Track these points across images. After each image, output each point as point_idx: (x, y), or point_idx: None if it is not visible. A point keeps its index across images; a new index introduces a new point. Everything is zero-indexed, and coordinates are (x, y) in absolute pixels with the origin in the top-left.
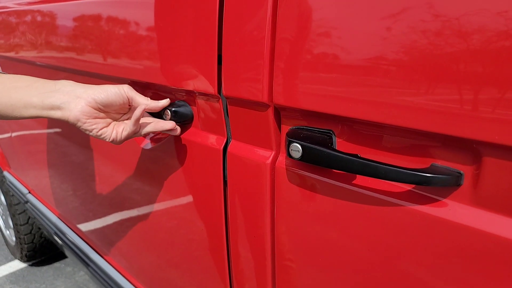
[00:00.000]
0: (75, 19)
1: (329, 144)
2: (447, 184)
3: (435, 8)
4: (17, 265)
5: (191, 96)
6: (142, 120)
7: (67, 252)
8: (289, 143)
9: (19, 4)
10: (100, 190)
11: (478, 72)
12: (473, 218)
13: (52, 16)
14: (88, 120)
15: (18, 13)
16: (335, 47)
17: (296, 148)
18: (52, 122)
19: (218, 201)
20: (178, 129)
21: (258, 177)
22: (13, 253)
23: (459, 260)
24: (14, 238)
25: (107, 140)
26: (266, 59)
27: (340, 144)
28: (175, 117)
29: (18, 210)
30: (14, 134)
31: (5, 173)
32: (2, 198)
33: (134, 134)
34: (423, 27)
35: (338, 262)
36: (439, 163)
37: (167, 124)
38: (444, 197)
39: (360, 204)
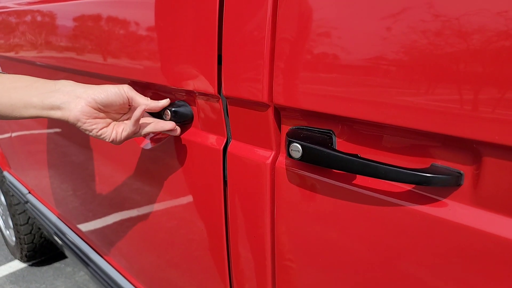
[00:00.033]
0: (75, 19)
1: (329, 144)
2: (447, 184)
3: (435, 8)
4: (17, 265)
5: (191, 96)
6: (142, 121)
7: (67, 252)
8: (289, 143)
9: (19, 4)
10: (100, 190)
11: (478, 72)
12: (473, 218)
13: (52, 16)
14: (88, 120)
15: (18, 13)
16: (335, 47)
17: (296, 148)
18: (52, 122)
19: (218, 201)
20: (178, 129)
21: (258, 177)
22: (13, 253)
23: (459, 260)
24: (14, 238)
25: (106, 140)
26: (266, 59)
27: (340, 144)
28: (175, 117)
29: (18, 210)
30: (14, 134)
31: (5, 173)
32: (2, 198)
33: (134, 135)
34: (423, 27)
35: (338, 262)
36: (439, 163)
37: (167, 125)
38: (444, 197)
39: (360, 204)
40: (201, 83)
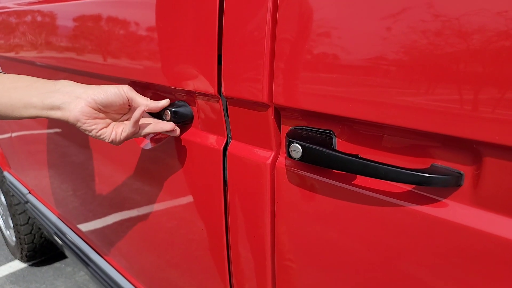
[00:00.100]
0: (75, 19)
1: (329, 144)
2: (447, 184)
3: (435, 8)
4: (17, 265)
5: (191, 96)
6: (142, 121)
7: (67, 252)
8: (289, 143)
9: (19, 4)
10: (100, 190)
11: (478, 72)
12: (474, 218)
13: (52, 16)
14: (88, 121)
15: (18, 13)
16: (335, 47)
17: (296, 149)
18: (52, 122)
19: (218, 201)
20: (178, 130)
21: (258, 177)
22: (13, 253)
23: (460, 260)
24: (14, 238)
25: (106, 140)
26: (266, 59)
27: (340, 144)
28: (175, 117)
29: (18, 210)
30: (14, 134)
31: (5, 173)
32: (2, 198)
33: (134, 135)
34: (423, 27)
35: (338, 262)
36: (439, 163)
37: (167, 125)
38: (444, 198)
39: (360, 204)
40: (201, 83)
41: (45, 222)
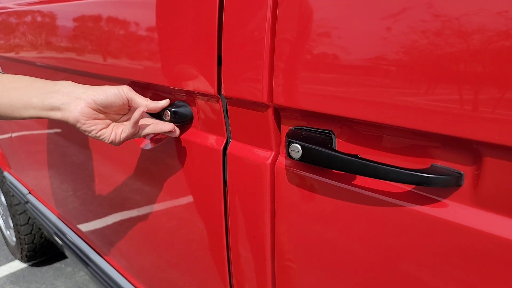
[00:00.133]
0: (75, 20)
1: (329, 144)
2: (447, 184)
3: (435, 8)
4: (17, 265)
5: (190, 96)
6: (142, 122)
7: (67, 252)
8: (289, 144)
9: (19, 4)
10: (100, 191)
11: (478, 72)
12: (474, 218)
13: (52, 16)
14: (88, 121)
15: (18, 14)
16: (335, 47)
17: (296, 149)
18: (52, 122)
19: (218, 202)
20: (177, 130)
21: (258, 177)
22: (13, 253)
23: (460, 260)
24: (14, 239)
25: (105, 141)
26: (266, 59)
27: (340, 145)
28: (175, 117)
29: (19, 210)
30: (14, 134)
31: (5, 173)
32: (3, 198)
33: (133, 136)
34: (423, 27)
35: (338, 263)
36: (439, 163)
37: (166, 126)
38: (444, 198)
39: (360, 204)
40: (201, 84)
41: (45, 222)
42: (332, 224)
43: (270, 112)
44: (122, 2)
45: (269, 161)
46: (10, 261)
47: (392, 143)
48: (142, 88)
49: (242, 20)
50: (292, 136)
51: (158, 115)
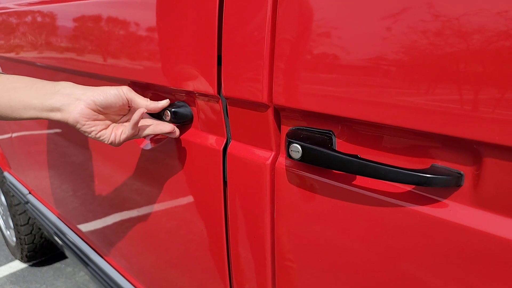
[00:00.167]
0: (75, 20)
1: (329, 144)
2: (447, 184)
3: (435, 8)
4: (17, 265)
5: (190, 96)
6: (141, 122)
7: (67, 252)
8: (289, 144)
9: (19, 4)
10: (100, 191)
11: (478, 72)
12: (474, 218)
13: (52, 17)
14: (87, 122)
15: (19, 14)
16: (335, 47)
17: (296, 149)
18: (52, 122)
19: (218, 202)
20: (177, 131)
21: (258, 177)
22: (13, 254)
23: (460, 261)
24: (14, 239)
25: (105, 142)
26: (266, 59)
27: (340, 145)
28: (175, 117)
29: (19, 210)
30: (14, 134)
31: (6, 173)
32: (3, 198)
33: (133, 137)
34: (423, 27)
35: (338, 263)
36: (439, 163)
37: (166, 127)
38: (445, 198)
39: (360, 204)
40: (201, 84)
41: (45, 222)
42: (332, 224)
43: (270, 112)
44: (122, 2)
45: (269, 161)
46: (10, 261)
47: (392, 143)
48: (142, 88)
49: (242, 20)
50: (292, 136)
51: (158, 115)
